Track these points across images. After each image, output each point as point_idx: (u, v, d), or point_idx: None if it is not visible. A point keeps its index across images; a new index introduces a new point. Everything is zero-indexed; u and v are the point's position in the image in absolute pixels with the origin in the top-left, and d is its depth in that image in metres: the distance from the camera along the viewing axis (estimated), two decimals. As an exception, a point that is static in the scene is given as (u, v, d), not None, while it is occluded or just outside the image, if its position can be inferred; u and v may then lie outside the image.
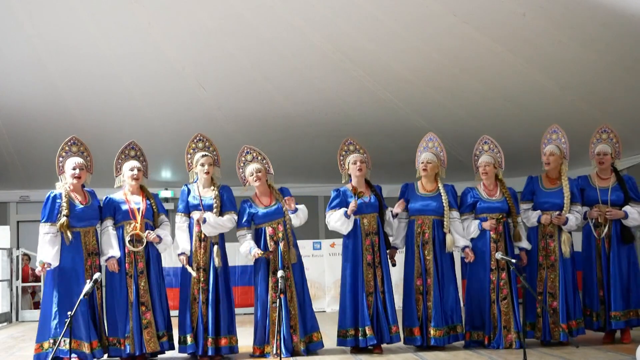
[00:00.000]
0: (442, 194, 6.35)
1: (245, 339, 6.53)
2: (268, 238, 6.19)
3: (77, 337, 5.67)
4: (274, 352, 5.69)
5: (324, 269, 10.72)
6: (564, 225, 6.32)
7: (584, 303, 6.50)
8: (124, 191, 6.12)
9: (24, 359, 6.53)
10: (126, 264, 5.94)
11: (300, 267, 6.30)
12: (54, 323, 5.66)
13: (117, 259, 5.91)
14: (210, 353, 5.98)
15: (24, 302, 10.71)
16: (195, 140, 6.36)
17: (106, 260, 5.91)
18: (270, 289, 6.14)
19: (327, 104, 10.04)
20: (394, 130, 10.57)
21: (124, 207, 6.01)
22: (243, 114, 10.27)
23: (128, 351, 5.84)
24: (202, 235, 6.11)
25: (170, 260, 9.46)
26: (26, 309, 10.62)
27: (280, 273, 5.71)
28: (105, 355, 5.93)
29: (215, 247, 6.10)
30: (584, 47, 8.21)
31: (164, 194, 12.57)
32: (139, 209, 6.01)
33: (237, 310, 9.58)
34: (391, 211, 6.37)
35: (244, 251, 6.22)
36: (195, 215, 6.10)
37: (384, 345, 6.25)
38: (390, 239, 6.41)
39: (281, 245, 6.17)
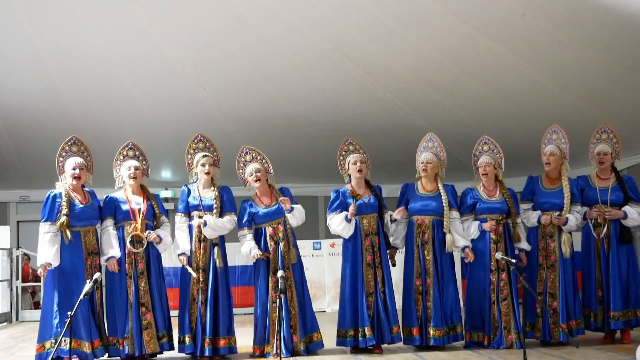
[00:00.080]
0: (442, 194, 6.35)
1: (245, 339, 6.53)
2: (268, 238, 6.19)
3: (77, 337, 5.67)
4: (274, 352, 5.69)
5: (324, 269, 10.72)
6: (564, 225, 6.32)
7: (583, 303, 6.50)
8: (125, 191, 6.12)
9: (24, 359, 6.53)
10: (126, 265, 5.94)
11: (300, 267, 6.30)
12: (55, 322, 5.67)
13: (117, 259, 5.91)
14: (207, 353, 5.98)
15: (24, 302, 10.71)
16: (195, 141, 6.37)
17: (106, 260, 5.91)
18: (270, 289, 6.14)
19: (327, 104, 10.04)
20: (394, 130, 10.57)
21: (125, 207, 6.01)
22: (243, 114, 10.27)
23: (127, 352, 5.84)
24: (202, 236, 6.11)
25: (170, 260, 9.47)
26: (26, 309, 10.62)
27: (280, 273, 5.72)
28: (106, 355, 5.93)
29: (216, 248, 6.11)
30: (584, 47, 8.21)
31: (164, 194, 12.58)
32: (139, 210, 6.00)
33: (237, 310, 9.65)
34: (390, 215, 6.37)
35: (244, 251, 6.23)
36: (195, 221, 6.09)
37: (384, 345, 6.24)
38: (390, 239, 6.41)
39: (281, 245, 6.17)
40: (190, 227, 6.16)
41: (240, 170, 6.38)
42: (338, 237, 6.50)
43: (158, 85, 9.61)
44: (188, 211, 6.20)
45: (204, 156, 6.21)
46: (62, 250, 5.75)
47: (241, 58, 9.05)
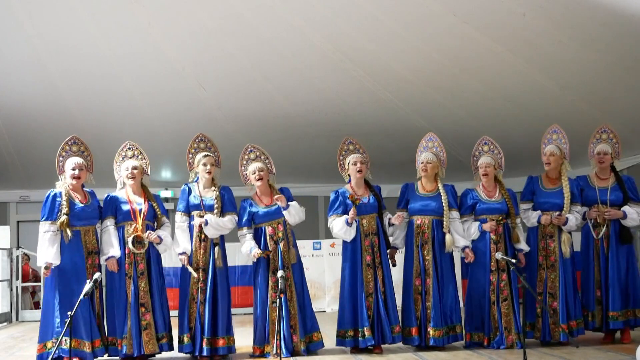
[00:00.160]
0: (441, 194, 6.35)
1: (245, 339, 6.54)
2: (268, 238, 6.19)
3: (77, 337, 5.67)
4: (274, 352, 5.69)
5: (324, 269, 10.72)
6: (564, 225, 6.32)
7: (581, 303, 6.49)
8: (126, 190, 6.11)
9: (24, 359, 6.53)
10: (126, 265, 5.93)
11: (300, 267, 6.30)
12: (56, 322, 5.66)
13: (116, 259, 5.91)
14: (205, 353, 5.98)
15: (24, 302, 10.71)
16: (197, 140, 6.37)
17: (106, 260, 5.91)
18: (270, 288, 6.14)
19: (327, 104, 10.05)
20: (394, 130, 10.58)
21: (126, 207, 6.00)
22: (243, 114, 10.27)
23: (125, 352, 5.84)
24: (203, 236, 6.11)
25: (170, 260, 9.47)
26: (26, 309, 10.62)
27: (280, 273, 5.72)
28: (106, 355, 5.93)
29: (217, 248, 6.11)
30: (584, 47, 8.21)
31: (164, 194, 12.58)
32: (140, 210, 6.00)
33: (237, 310, 9.69)
34: (389, 219, 6.37)
35: (244, 251, 6.23)
36: (196, 221, 6.09)
37: (384, 345, 6.24)
38: (390, 239, 6.41)
39: (281, 245, 6.17)
40: (190, 226, 6.16)
41: (243, 168, 6.38)
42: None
43: (158, 85, 9.61)
44: (188, 210, 6.20)
45: (205, 156, 6.21)
46: (62, 250, 5.75)
47: (241, 58, 9.05)
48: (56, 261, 5.70)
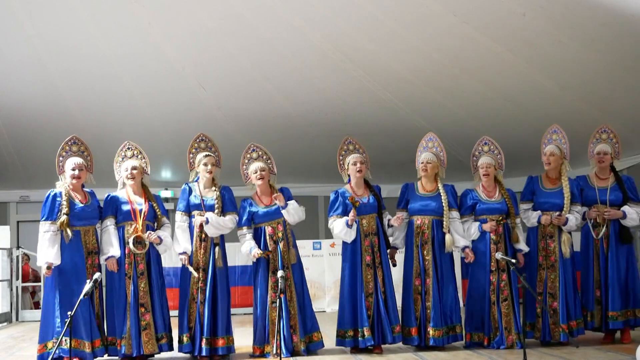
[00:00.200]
0: (441, 194, 6.35)
1: (245, 339, 6.54)
2: (268, 238, 6.19)
3: (77, 337, 5.66)
4: (274, 351, 5.69)
5: (324, 269, 10.72)
6: (564, 225, 6.32)
7: (581, 302, 6.49)
8: (127, 190, 6.11)
9: (24, 359, 6.53)
10: (126, 265, 5.93)
11: (300, 268, 6.30)
12: (57, 322, 5.66)
13: (116, 259, 5.91)
14: (204, 353, 5.98)
15: (24, 302, 10.71)
16: (197, 140, 6.38)
17: (106, 260, 5.91)
18: (269, 288, 6.14)
19: (327, 104, 10.05)
20: (394, 130, 10.58)
21: (126, 207, 6.00)
22: (243, 114, 10.27)
23: (123, 352, 5.85)
24: (203, 235, 6.11)
25: (170, 260, 9.47)
26: (26, 309, 10.62)
27: (280, 273, 5.72)
28: (106, 355, 5.93)
29: (217, 248, 6.11)
30: (584, 47, 8.21)
31: (164, 194, 12.59)
32: (141, 211, 6.00)
33: (237, 310, 9.70)
34: (389, 220, 6.36)
35: (244, 251, 6.23)
36: (197, 220, 6.09)
37: (384, 345, 6.24)
38: (390, 239, 6.41)
39: (281, 245, 6.17)
40: (191, 226, 6.16)
41: (244, 167, 6.38)
42: (338, 237, 6.49)
43: (158, 85, 9.61)
44: (189, 210, 6.20)
45: (206, 156, 6.21)
46: (62, 250, 5.74)
47: (241, 58, 9.05)
48: (57, 261, 5.69)
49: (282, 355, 5.57)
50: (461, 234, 6.34)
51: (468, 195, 6.45)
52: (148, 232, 5.98)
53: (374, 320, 6.15)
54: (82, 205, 5.87)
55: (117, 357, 5.95)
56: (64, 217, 5.72)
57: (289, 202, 6.20)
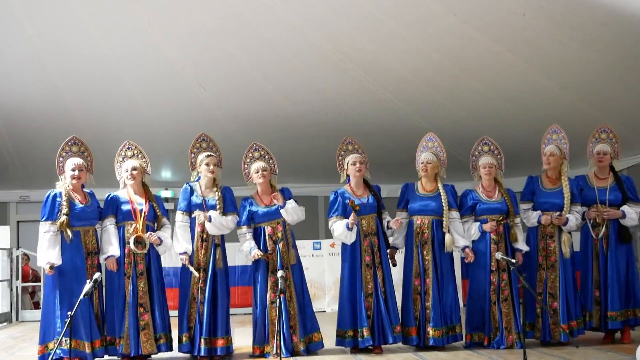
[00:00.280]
0: (441, 194, 6.34)
1: (245, 339, 6.54)
2: (267, 237, 6.20)
3: (77, 337, 5.66)
4: (274, 351, 5.69)
5: (324, 269, 10.72)
6: (564, 225, 6.32)
7: (580, 302, 6.49)
8: (127, 190, 6.11)
9: (24, 359, 6.53)
10: (125, 264, 5.93)
11: (300, 268, 6.30)
12: (58, 323, 5.65)
13: (116, 258, 5.90)
14: (202, 353, 5.98)
15: (24, 302, 10.70)
16: (199, 140, 6.38)
17: (105, 259, 5.91)
18: (269, 288, 6.14)
19: (327, 104, 10.04)
20: (394, 130, 10.58)
21: (127, 207, 6.01)
22: (243, 114, 10.27)
23: (121, 351, 5.85)
24: (205, 235, 6.11)
25: (170, 260, 9.47)
26: (26, 309, 10.62)
27: (280, 273, 5.72)
28: (106, 355, 5.93)
29: (218, 249, 6.12)
30: (584, 47, 8.21)
31: (164, 194, 12.59)
32: (141, 211, 6.00)
33: (237, 310, 9.70)
34: (388, 221, 6.36)
35: (244, 251, 6.23)
36: (200, 217, 6.08)
37: (384, 345, 6.24)
38: (391, 239, 6.41)
39: (280, 245, 6.17)
40: (192, 226, 6.15)
41: (246, 166, 6.38)
42: (338, 237, 6.49)
43: (158, 85, 9.61)
44: (190, 210, 6.20)
45: (207, 156, 6.21)
46: (62, 251, 5.74)
47: (241, 58, 9.05)
48: (58, 261, 5.70)
49: (282, 355, 5.56)
50: (461, 234, 6.34)
51: (468, 195, 6.45)
52: (149, 232, 5.98)
53: (374, 320, 6.15)
54: (82, 205, 5.87)
55: (117, 357, 5.95)
56: (63, 218, 5.72)
57: (287, 201, 6.20)
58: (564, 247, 6.30)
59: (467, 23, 8.04)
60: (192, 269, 6.05)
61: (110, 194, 6.09)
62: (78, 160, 5.96)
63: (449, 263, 6.36)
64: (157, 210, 6.13)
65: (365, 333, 6.11)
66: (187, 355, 6.15)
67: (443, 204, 6.30)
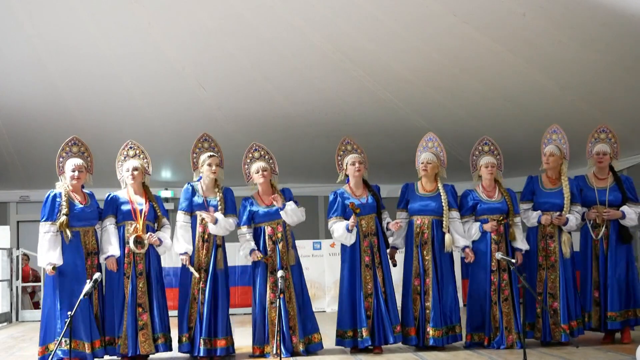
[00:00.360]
0: (441, 194, 6.34)
1: (245, 339, 6.54)
2: (267, 238, 6.19)
3: (77, 337, 5.65)
4: (274, 352, 5.69)
5: (324, 269, 10.72)
6: (564, 225, 6.31)
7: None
8: (127, 190, 6.11)
9: (24, 359, 6.53)
10: (125, 264, 5.93)
11: (299, 269, 6.30)
12: (58, 324, 5.64)
13: (116, 258, 5.90)
14: (202, 354, 5.97)
15: (23, 302, 10.70)
16: (201, 140, 6.38)
17: (105, 259, 5.91)
18: (268, 288, 6.14)
19: (327, 104, 10.04)
20: (394, 130, 10.58)
21: (127, 207, 6.01)
22: (243, 114, 10.27)
23: (119, 351, 5.85)
24: (206, 236, 6.11)
25: (170, 260, 9.47)
26: (26, 309, 10.62)
27: (280, 273, 5.72)
28: (106, 355, 5.93)
29: (219, 250, 6.12)
30: (584, 47, 8.21)
31: (164, 194, 12.59)
32: (141, 210, 6.00)
33: (237, 310, 9.71)
34: (387, 223, 6.36)
35: (244, 253, 6.23)
36: (207, 217, 6.06)
37: (384, 345, 6.24)
38: (390, 239, 6.41)
39: (280, 245, 6.17)
40: (193, 226, 6.15)
41: (246, 166, 6.38)
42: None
43: (158, 85, 9.61)
44: (191, 210, 6.19)
45: (210, 156, 6.21)
46: (62, 251, 5.74)
47: (241, 58, 9.05)
48: (60, 262, 5.69)
49: (282, 356, 5.56)
50: (461, 234, 6.34)
51: (468, 195, 6.45)
52: (149, 233, 5.97)
53: (374, 320, 6.15)
54: (81, 206, 5.87)
55: (116, 357, 5.94)
56: (63, 218, 5.72)
57: (287, 203, 6.20)
58: (564, 247, 6.30)
59: (467, 23, 8.04)
60: (192, 269, 6.05)
61: (110, 194, 6.09)
62: (78, 161, 5.96)
63: (449, 263, 6.36)
64: (158, 211, 6.12)
65: (365, 333, 6.11)
66: (187, 355, 6.15)
67: (443, 204, 6.30)
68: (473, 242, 6.36)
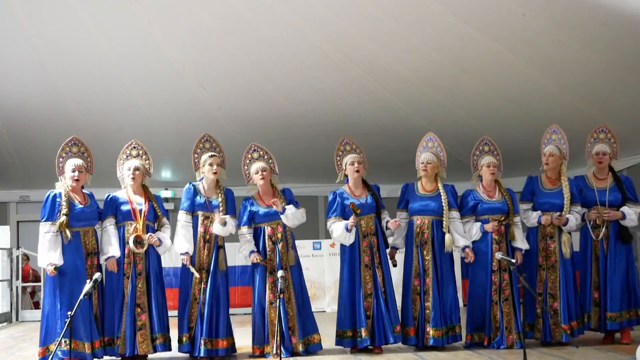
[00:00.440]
0: (441, 194, 6.34)
1: (245, 339, 6.54)
2: (267, 238, 6.19)
3: (76, 338, 5.65)
4: (274, 352, 5.68)
5: (324, 269, 10.73)
6: (564, 225, 6.31)
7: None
8: (127, 190, 6.11)
9: (24, 359, 6.53)
10: (124, 264, 5.93)
11: (299, 269, 6.30)
12: (59, 324, 5.63)
13: (116, 259, 5.90)
14: (202, 354, 5.97)
15: (24, 302, 10.71)
16: (202, 141, 6.39)
17: (106, 260, 5.90)
18: (267, 289, 6.14)
19: (327, 104, 10.04)
20: (394, 130, 10.58)
21: (126, 207, 6.01)
22: (243, 114, 10.28)
23: (117, 351, 5.85)
24: (207, 237, 6.11)
25: (170, 260, 9.47)
26: (26, 309, 10.62)
27: (280, 273, 5.72)
28: (105, 355, 5.93)
29: (221, 250, 6.12)
30: (584, 47, 8.21)
31: (164, 194, 12.59)
32: (141, 210, 6.00)
33: (237, 310, 9.71)
34: (387, 222, 6.36)
35: (243, 254, 6.23)
36: (218, 218, 6.02)
37: (384, 345, 6.24)
38: (390, 239, 6.41)
39: (279, 246, 6.17)
40: (195, 226, 6.14)
41: (246, 167, 6.38)
42: (338, 237, 6.48)
43: (158, 85, 9.61)
44: (193, 210, 6.19)
45: (211, 156, 6.21)
46: (62, 251, 5.73)
47: (241, 58, 9.05)
48: (60, 262, 5.69)
49: (282, 356, 5.56)
50: (461, 234, 6.34)
51: (469, 195, 6.44)
52: (149, 234, 5.97)
53: (374, 320, 6.15)
54: (81, 206, 5.87)
55: (115, 358, 5.94)
56: (63, 218, 5.71)
57: (287, 207, 6.19)
58: (564, 247, 6.30)
59: (467, 23, 8.04)
60: (192, 269, 6.05)
61: (109, 195, 6.09)
62: (78, 161, 5.95)
63: (449, 263, 6.36)
64: (157, 210, 6.13)
65: (364, 333, 6.11)
66: (187, 355, 6.15)
67: (443, 204, 6.30)
68: (474, 242, 6.35)
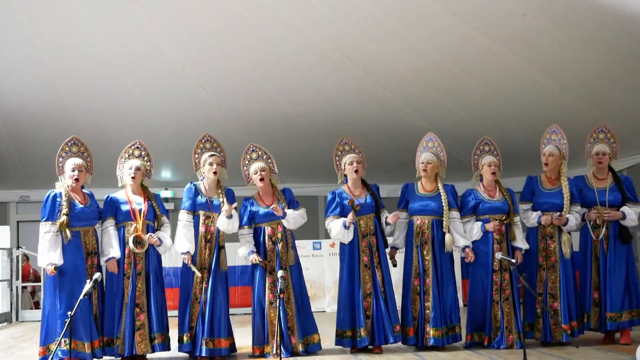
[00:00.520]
0: (441, 194, 6.34)
1: (245, 339, 6.54)
2: (267, 238, 6.19)
3: (77, 338, 5.65)
4: (274, 352, 5.68)
5: (323, 269, 10.73)
6: (564, 225, 6.31)
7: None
8: (126, 191, 6.12)
9: (24, 359, 6.53)
10: (125, 265, 5.93)
11: (299, 269, 6.30)
12: (59, 324, 5.63)
13: (117, 260, 5.90)
14: (204, 354, 5.97)
15: (24, 302, 10.70)
16: (203, 141, 6.39)
17: (106, 261, 5.90)
18: (267, 288, 6.14)
19: (327, 104, 10.05)
20: (394, 130, 10.58)
21: (126, 207, 6.01)
22: (243, 114, 10.28)
23: (116, 351, 5.85)
24: (209, 236, 6.11)
25: (170, 260, 9.47)
26: (26, 309, 10.62)
27: (280, 273, 5.72)
28: (105, 356, 5.93)
29: (222, 251, 6.13)
30: (584, 47, 8.21)
31: (164, 194, 12.59)
32: (140, 210, 6.00)
33: (237, 310, 9.71)
34: (386, 217, 6.36)
35: (242, 254, 6.23)
36: (226, 208, 6.01)
37: (383, 345, 6.24)
38: (390, 239, 6.41)
39: (279, 246, 6.17)
40: (196, 225, 6.14)
41: (245, 168, 6.38)
42: (338, 237, 6.48)
43: (158, 85, 9.61)
44: (194, 209, 6.19)
45: (211, 155, 6.22)
46: (62, 251, 5.73)
47: (241, 58, 9.05)
48: (60, 262, 5.69)
49: (282, 356, 5.56)
50: (461, 234, 6.33)
51: (470, 195, 6.44)
52: (149, 234, 5.97)
53: (374, 320, 6.15)
54: (81, 206, 5.87)
55: (114, 358, 5.94)
56: (63, 218, 5.71)
57: (287, 211, 6.19)
58: (564, 247, 6.30)
59: (467, 23, 8.04)
60: (194, 268, 6.04)
61: (108, 196, 6.09)
62: (78, 161, 5.95)
63: (449, 263, 6.36)
64: (157, 209, 6.13)
65: (363, 333, 6.11)
66: (187, 355, 6.15)
67: (443, 204, 6.30)
68: (475, 242, 6.35)
